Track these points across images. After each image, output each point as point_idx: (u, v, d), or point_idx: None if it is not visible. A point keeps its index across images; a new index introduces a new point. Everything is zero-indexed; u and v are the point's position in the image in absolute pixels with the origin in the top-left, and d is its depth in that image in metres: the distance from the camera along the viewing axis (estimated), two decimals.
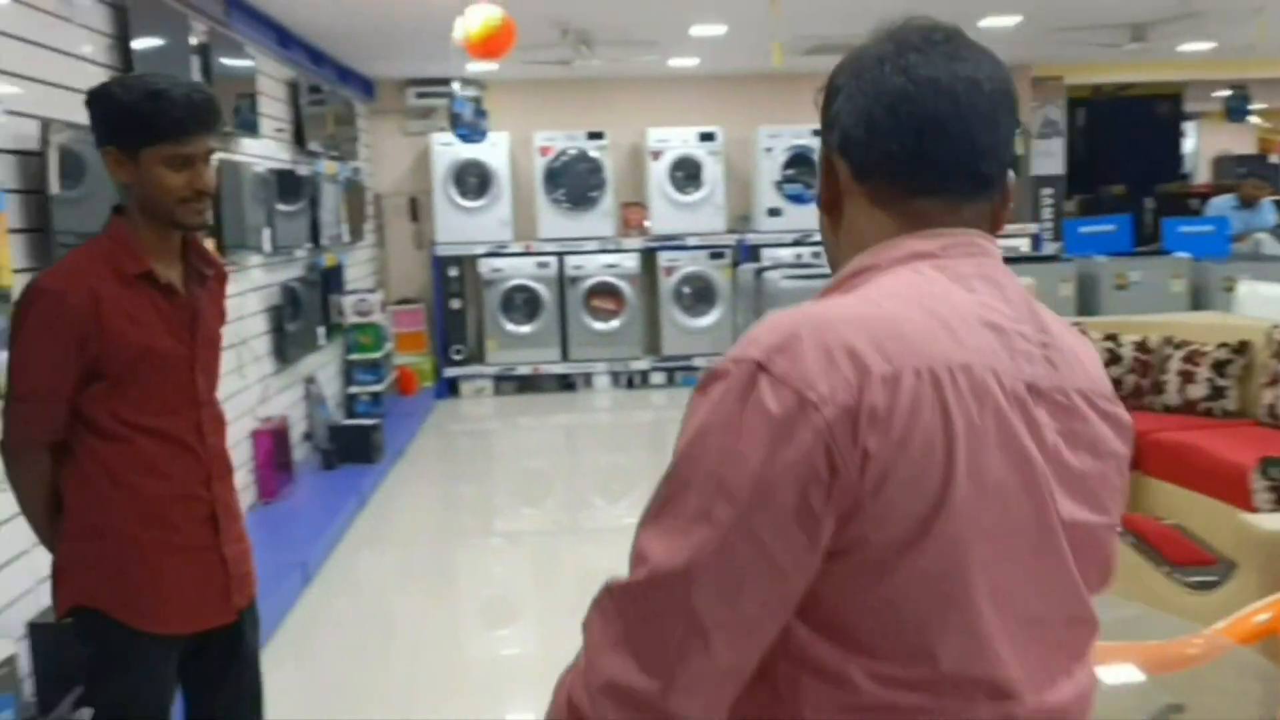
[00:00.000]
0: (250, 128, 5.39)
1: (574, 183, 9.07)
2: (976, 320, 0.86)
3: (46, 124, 3.15)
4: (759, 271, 7.19)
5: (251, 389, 5.31)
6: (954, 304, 0.86)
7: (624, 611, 0.84)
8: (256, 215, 5.36)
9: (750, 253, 9.02)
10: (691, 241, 9.16)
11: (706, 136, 9.15)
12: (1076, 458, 0.88)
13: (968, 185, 0.92)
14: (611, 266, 9.07)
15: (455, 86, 7.43)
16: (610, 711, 0.82)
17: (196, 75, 4.70)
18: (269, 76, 6.12)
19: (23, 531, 3.09)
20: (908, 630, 0.82)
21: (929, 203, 0.92)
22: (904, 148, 0.90)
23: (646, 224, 9.26)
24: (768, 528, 0.79)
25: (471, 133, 7.21)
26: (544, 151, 9.02)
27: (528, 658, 3.94)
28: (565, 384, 9.24)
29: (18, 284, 3.06)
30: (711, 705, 0.82)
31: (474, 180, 8.99)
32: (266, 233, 5.47)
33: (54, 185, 3.19)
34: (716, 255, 9.20)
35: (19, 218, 3.15)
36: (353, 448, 6.08)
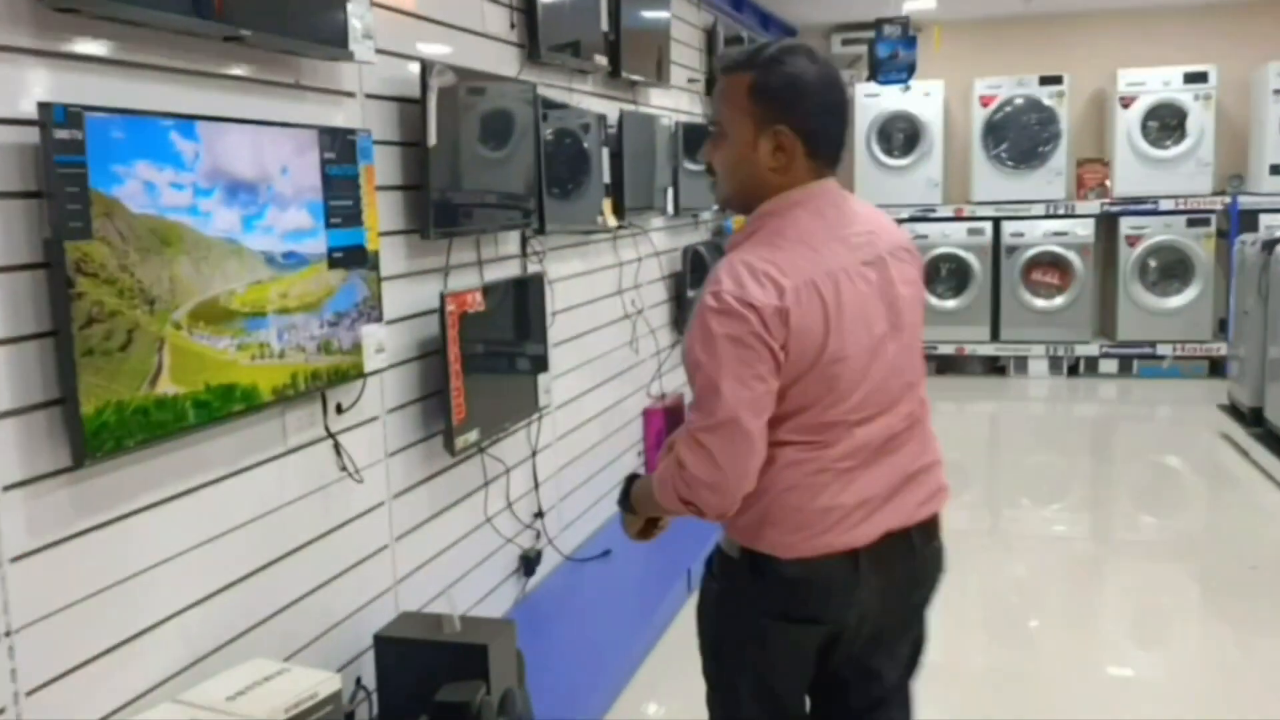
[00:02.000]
0: (661, 79, 4.95)
1: (1019, 137, 7.84)
2: (830, 238, 1.68)
3: (426, 66, 2.81)
4: (1270, 245, 5.62)
5: (645, 363, 4.91)
6: (815, 232, 1.68)
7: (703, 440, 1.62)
8: (663, 174, 4.93)
9: (1243, 220, 7.26)
10: (1165, 205, 7.58)
11: (1195, 77, 7.49)
12: (904, 288, 1.75)
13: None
14: (1059, 235, 7.75)
15: (884, 27, 6.53)
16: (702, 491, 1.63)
17: (604, 22, 4.30)
18: (685, 23, 5.67)
19: (381, 524, 2.90)
20: (812, 406, 1.66)
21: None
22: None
23: (1107, 184, 7.79)
24: (748, 360, 1.59)
25: (895, 77, 6.29)
26: (985, 101, 7.87)
27: (927, 667, 3.25)
28: (994, 367, 8.11)
29: (389, 250, 2.75)
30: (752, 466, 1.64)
31: (901, 135, 8.07)
32: (670, 192, 5.03)
33: (432, 136, 2.85)
34: (1197, 222, 7.54)
35: (391, 173, 2.85)
36: None
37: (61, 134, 1.74)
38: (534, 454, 3.73)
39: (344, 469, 2.61)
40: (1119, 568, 4.51)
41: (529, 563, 3.67)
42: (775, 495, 1.67)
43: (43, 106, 1.72)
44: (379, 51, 2.74)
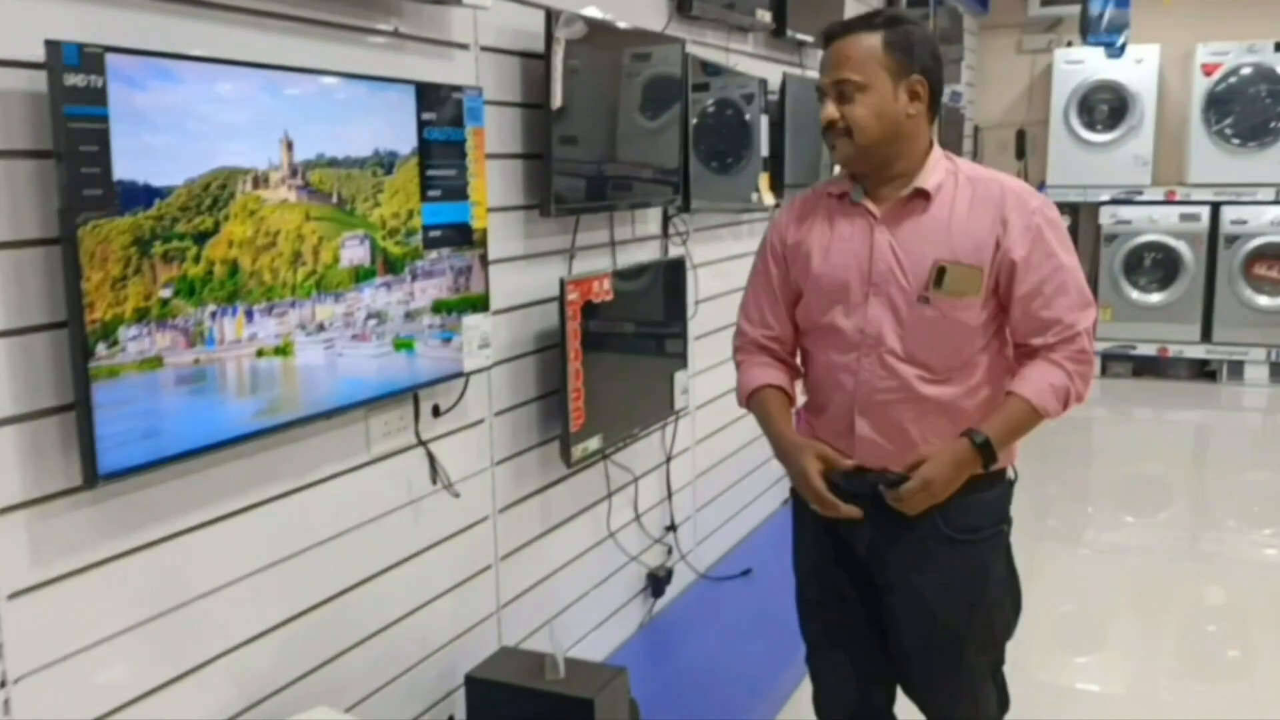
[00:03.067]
0: None
1: (1247, 110, 6.86)
2: None
3: (553, 15, 2.41)
4: None
5: None
6: None
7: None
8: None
9: None
10: None
11: None
12: None
13: None
14: None
15: None
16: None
17: None
18: None
19: (484, 542, 2.57)
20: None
21: None
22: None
23: None
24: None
25: (1112, 41, 5.51)
26: (1207, 70, 6.91)
27: (1109, 696, 3.25)
28: (1203, 371, 7.19)
29: (494, 225, 2.38)
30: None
31: (1105, 107, 7.20)
32: (837, 168, 4.48)
33: (557, 97, 2.45)
34: None
35: (508, 139, 2.47)
36: None
37: (75, 79, 1.42)
38: (668, 460, 3.31)
39: (436, 482, 2.26)
40: None
41: (658, 582, 3.27)
42: None
43: (50, 45, 1.40)
44: None
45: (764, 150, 3.79)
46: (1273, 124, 6.82)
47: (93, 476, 1.47)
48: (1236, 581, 4.11)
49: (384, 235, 1.97)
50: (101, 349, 1.46)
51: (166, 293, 1.55)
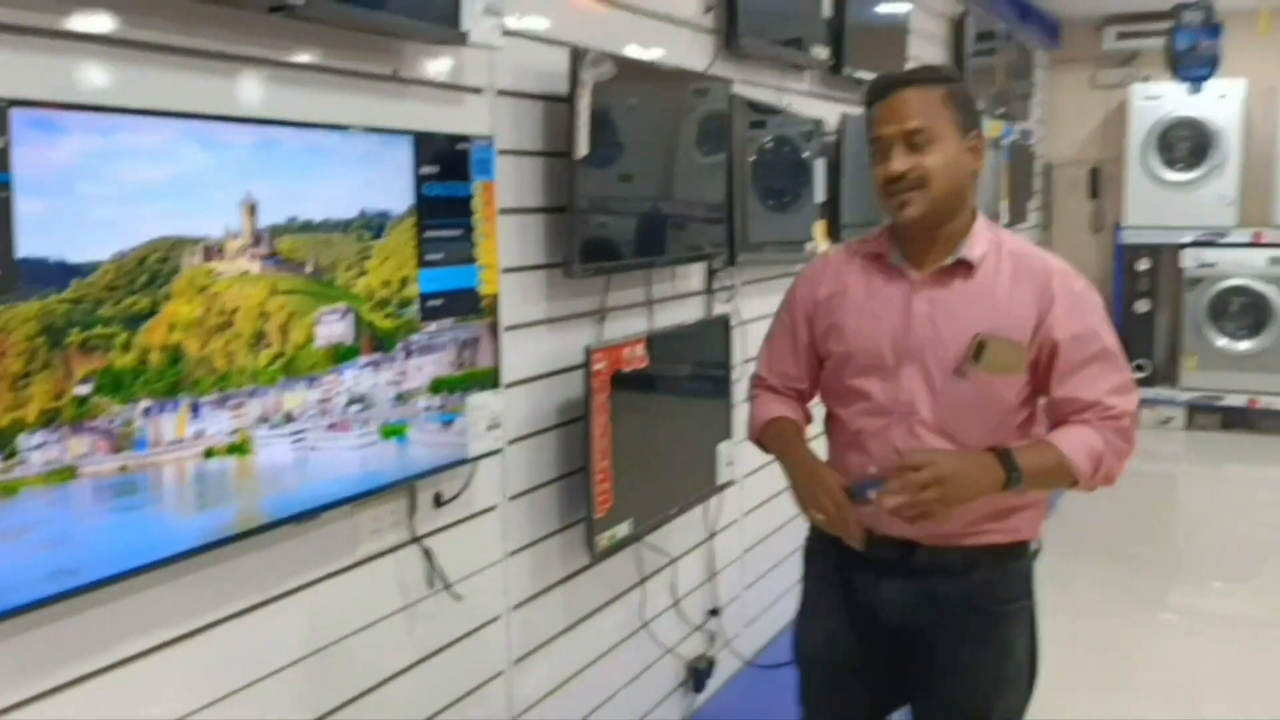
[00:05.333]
0: None
1: None
2: None
3: (579, 54, 2.15)
4: None
5: None
6: None
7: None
8: None
9: None
10: None
11: None
12: None
13: None
14: None
15: (1185, 13, 5.35)
16: None
17: (827, 10, 3.53)
18: (929, 13, 4.79)
19: (495, 644, 2.10)
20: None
21: None
22: None
23: None
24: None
25: (1199, 74, 5.13)
26: None
27: None
28: None
29: (509, 288, 2.11)
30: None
31: (1186, 145, 6.77)
32: None
33: (582, 145, 2.19)
34: None
35: (521, 191, 2.20)
36: None
37: None
38: (711, 537, 3.00)
39: (434, 584, 1.98)
40: None
41: (699, 675, 2.94)
42: None
43: None
44: (514, 34, 2.11)
45: (819, 195, 3.49)
46: None
47: None
48: None
49: (371, 308, 1.71)
50: None
51: (84, 389, 1.29)
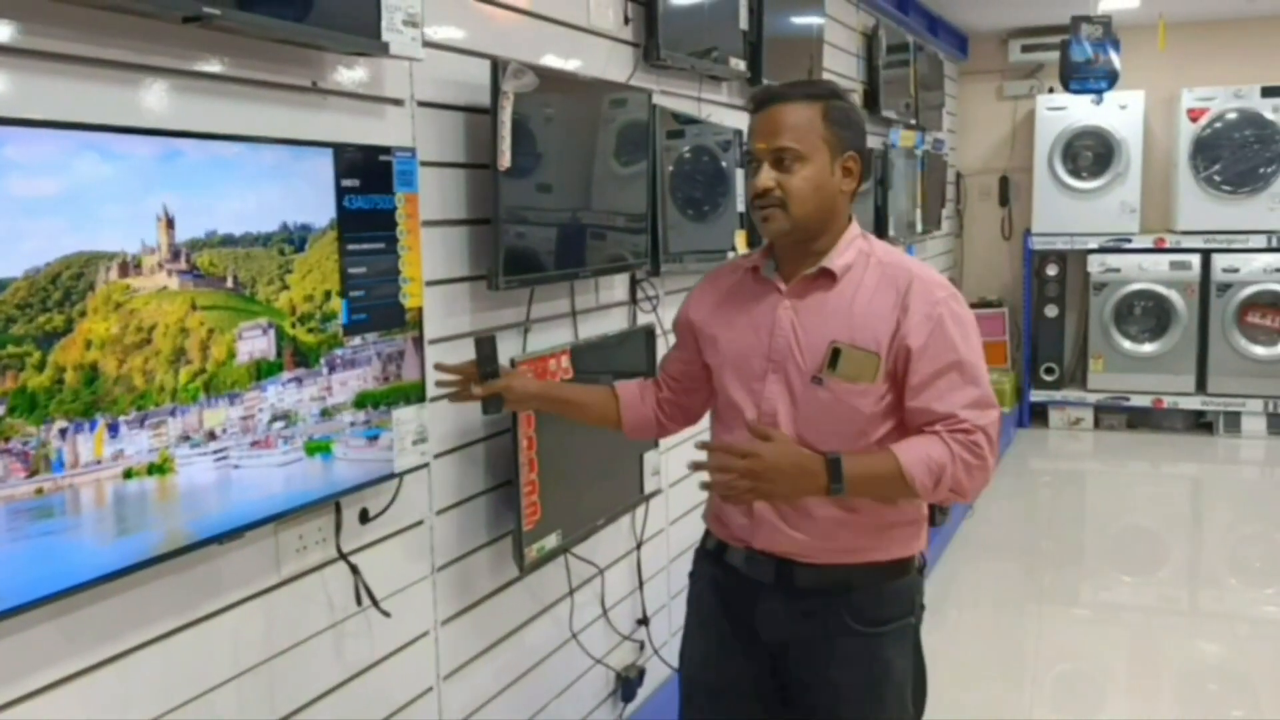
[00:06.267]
0: None
1: (1235, 156, 6.70)
2: None
3: (500, 65, 2.15)
4: None
5: None
6: None
7: None
8: None
9: None
10: None
11: None
12: None
13: None
14: None
15: (1082, 26, 5.56)
16: None
17: (744, 22, 3.59)
18: (842, 25, 4.90)
19: (423, 661, 2.10)
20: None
21: None
22: None
23: None
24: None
25: (1094, 83, 5.33)
26: (1193, 115, 6.76)
27: None
28: (1199, 423, 6.98)
29: (432, 301, 2.10)
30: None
31: (1089, 154, 7.03)
32: None
33: (505, 157, 2.19)
34: None
35: (444, 203, 2.19)
36: None
37: None
38: (638, 546, 3.02)
39: (361, 601, 1.96)
40: None
41: (629, 684, 2.95)
42: None
43: None
44: (434, 46, 2.10)
45: (739, 205, 3.54)
46: (1261, 170, 6.65)
47: None
48: (1237, 640, 4.00)
49: (293, 322, 1.69)
50: None
51: None
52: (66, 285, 1.32)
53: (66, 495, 1.33)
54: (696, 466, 1.69)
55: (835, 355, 1.71)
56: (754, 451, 1.64)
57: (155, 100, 1.54)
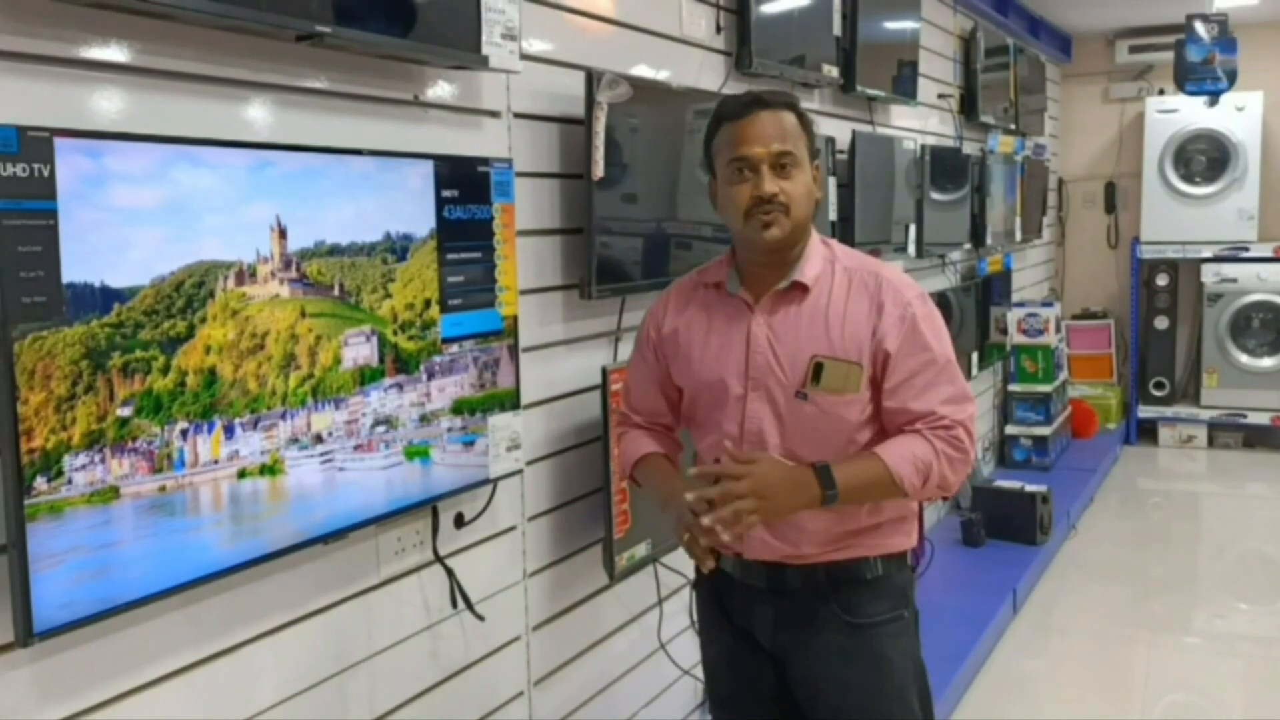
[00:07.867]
0: (907, 94, 4.14)
1: None
2: None
3: (594, 77, 2.19)
4: None
5: None
6: None
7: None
8: (904, 206, 4.11)
9: None
10: None
11: None
12: None
13: None
14: None
15: (1197, 25, 5.36)
16: None
17: (837, 28, 3.56)
18: (939, 29, 4.82)
19: (515, 666, 2.10)
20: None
21: None
22: None
23: None
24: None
25: (1212, 84, 5.13)
26: None
27: None
28: None
29: (527, 310, 2.14)
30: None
31: (1203, 159, 6.75)
32: (911, 229, 4.19)
33: (598, 167, 2.22)
34: None
35: (538, 213, 2.23)
36: (1010, 521, 4.58)
37: (14, 169, 1.22)
38: None
39: (456, 604, 2.00)
40: None
41: None
42: None
43: None
44: (530, 58, 2.15)
45: (831, 213, 3.52)
46: None
47: (27, 633, 1.25)
48: None
49: (395, 330, 1.74)
50: (41, 482, 1.24)
51: (126, 411, 1.33)
52: (189, 293, 1.39)
53: (187, 493, 1.40)
54: (704, 501, 1.62)
55: (818, 369, 1.69)
56: (748, 472, 1.63)
57: (265, 116, 1.61)
